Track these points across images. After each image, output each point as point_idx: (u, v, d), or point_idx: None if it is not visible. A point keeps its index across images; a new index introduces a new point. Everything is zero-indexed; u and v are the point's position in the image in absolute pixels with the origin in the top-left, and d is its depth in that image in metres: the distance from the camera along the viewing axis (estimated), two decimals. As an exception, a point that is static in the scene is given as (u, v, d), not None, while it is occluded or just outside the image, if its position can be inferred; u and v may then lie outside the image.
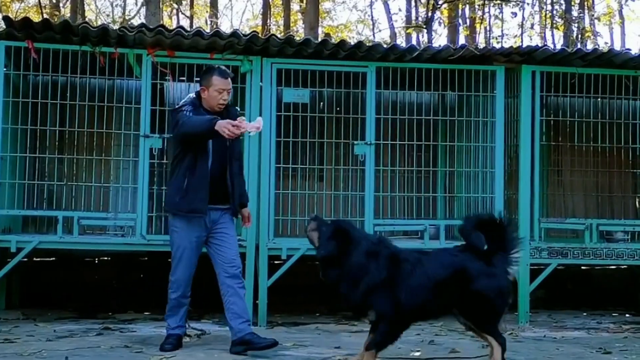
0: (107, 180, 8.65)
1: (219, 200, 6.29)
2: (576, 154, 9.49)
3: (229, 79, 6.35)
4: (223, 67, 6.44)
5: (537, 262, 8.45)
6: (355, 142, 8.23)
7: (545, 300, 9.40)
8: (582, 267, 9.90)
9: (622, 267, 9.59)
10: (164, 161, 7.99)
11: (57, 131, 8.40)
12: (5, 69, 7.69)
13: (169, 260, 6.42)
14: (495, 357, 5.77)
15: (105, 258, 9.63)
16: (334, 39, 11.76)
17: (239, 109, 7.02)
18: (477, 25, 23.91)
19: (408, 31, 24.05)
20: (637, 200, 9.47)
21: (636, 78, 8.63)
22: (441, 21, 21.27)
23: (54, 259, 9.44)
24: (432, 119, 8.86)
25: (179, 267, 6.29)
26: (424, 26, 20.01)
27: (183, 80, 8.58)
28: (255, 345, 6.16)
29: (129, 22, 20.39)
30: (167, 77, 7.97)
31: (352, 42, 8.18)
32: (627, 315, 9.16)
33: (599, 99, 8.89)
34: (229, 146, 6.29)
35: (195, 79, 8.10)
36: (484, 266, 5.75)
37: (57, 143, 8.67)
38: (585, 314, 9.20)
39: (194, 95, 6.38)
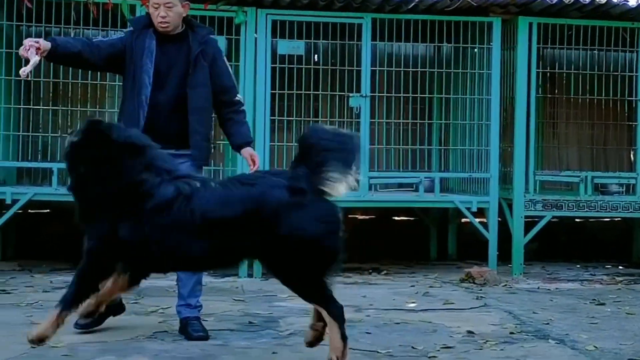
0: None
1: (173, 142, 4.95)
2: (571, 107, 9.47)
3: None
4: None
5: (532, 215, 8.48)
6: (351, 95, 8.20)
7: (539, 252, 9.45)
8: (576, 220, 9.94)
9: (616, 219, 9.63)
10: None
11: (51, 83, 8.33)
12: (-3, 20, 7.63)
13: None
14: (332, 338, 4.15)
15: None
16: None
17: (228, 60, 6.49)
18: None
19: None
20: (631, 152, 9.46)
21: (633, 30, 8.58)
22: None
23: (48, 211, 9.43)
24: (428, 71, 8.82)
25: None
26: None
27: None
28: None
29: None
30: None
31: (348, -7, 8.10)
32: (620, 267, 9.23)
33: (596, 51, 8.86)
34: (189, 73, 5.06)
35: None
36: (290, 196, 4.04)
37: (50, 95, 8.61)
38: (578, 266, 9.27)
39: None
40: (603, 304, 6.75)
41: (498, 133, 8.36)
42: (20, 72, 4.50)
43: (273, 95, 8.06)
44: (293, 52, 8.18)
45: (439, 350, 4.93)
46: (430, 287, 7.53)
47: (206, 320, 5.39)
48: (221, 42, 7.93)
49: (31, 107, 8.29)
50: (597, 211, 8.53)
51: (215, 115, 5.34)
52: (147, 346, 4.85)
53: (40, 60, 4.69)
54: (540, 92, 8.79)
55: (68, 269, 8.03)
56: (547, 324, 5.84)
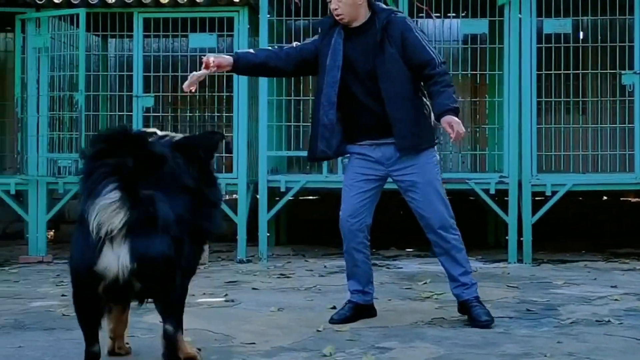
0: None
1: (372, 133, 4.96)
2: None
3: None
4: None
5: None
6: (622, 72, 7.81)
7: None
8: None
9: None
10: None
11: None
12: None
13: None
14: None
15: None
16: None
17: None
18: None
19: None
20: None
21: None
22: None
23: (316, 197, 9.76)
24: None
25: None
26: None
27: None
28: None
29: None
30: (436, 15, 7.95)
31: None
32: None
33: None
34: (376, 63, 4.88)
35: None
36: None
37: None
38: None
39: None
40: None
41: None
42: (184, 86, 4.81)
43: (539, 76, 7.84)
44: (560, 31, 7.89)
45: None
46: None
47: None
48: (483, 24, 7.89)
49: (300, 98, 8.57)
50: None
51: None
52: (427, 332, 4.87)
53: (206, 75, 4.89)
54: None
55: (338, 254, 8.28)
56: None
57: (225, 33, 8.08)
